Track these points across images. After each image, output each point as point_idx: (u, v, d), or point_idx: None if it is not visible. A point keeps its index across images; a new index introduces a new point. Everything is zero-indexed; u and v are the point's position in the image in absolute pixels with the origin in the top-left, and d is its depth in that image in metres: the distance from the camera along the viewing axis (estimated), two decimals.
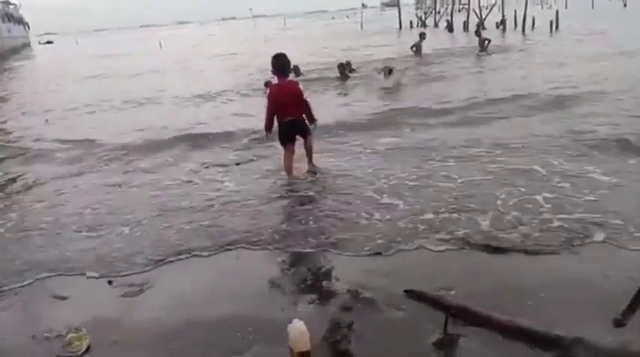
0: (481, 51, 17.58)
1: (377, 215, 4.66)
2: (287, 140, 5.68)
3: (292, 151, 5.75)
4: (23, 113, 12.94)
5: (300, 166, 6.00)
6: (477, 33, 19.41)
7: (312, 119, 5.76)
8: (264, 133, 5.83)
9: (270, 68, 5.65)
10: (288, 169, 5.78)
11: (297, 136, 5.77)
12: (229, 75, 16.85)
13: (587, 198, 4.67)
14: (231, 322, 3.21)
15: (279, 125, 5.64)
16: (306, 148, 5.89)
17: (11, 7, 60.14)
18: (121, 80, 18.27)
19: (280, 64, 5.54)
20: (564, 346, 2.68)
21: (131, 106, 12.69)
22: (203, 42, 40.10)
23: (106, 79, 18.61)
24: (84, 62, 27.40)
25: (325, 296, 3.42)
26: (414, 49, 17.60)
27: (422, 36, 17.95)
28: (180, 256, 4.18)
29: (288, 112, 5.53)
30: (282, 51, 5.77)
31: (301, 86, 5.76)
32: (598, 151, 5.95)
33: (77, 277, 4.01)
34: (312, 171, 5.90)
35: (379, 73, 11.98)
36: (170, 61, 22.99)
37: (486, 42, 17.96)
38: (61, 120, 11.56)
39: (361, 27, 39.71)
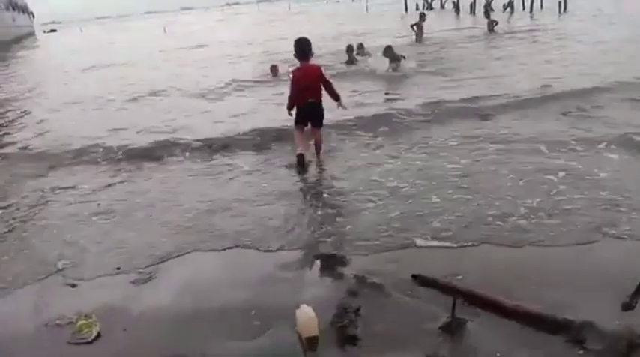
0: (490, 32, 17.38)
1: (383, 202, 4.65)
2: (301, 122, 5.88)
3: (302, 130, 5.93)
4: (21, 112, 11.62)
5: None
6: (486, 14, 19.10)
7: (337, 97, 5.96)
8: (288, 112, 5.97)
9: (291, 53, 5.87)
10: (300, 140, 5.90)
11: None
12: (238, 63, 15.81)
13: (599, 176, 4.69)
14: (240, 308, 3.23)
15: (299, 107, 5.83)
16: (315, 142, 6.01)
17: None
18: (126, 71, 17.30)
19: (301, 47, 5.74)
20: (573, 329, 2.68)
21: (135, 102, 11.34)
22: (210, 28, 39.52)
23: (110, 72, 17.58)
24: (88, 52, 26.52)
25: (333, 281, 3.43)
26: (415, 28, 17.14)
27: (422, 17, 17.43)
28: (189, 249, 4.18)
29: (309, 95, 5.72)
30: (304, 35, 5.98)
31: (322, 69, 5.94)
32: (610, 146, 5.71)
33: (88, 263, 4.05)
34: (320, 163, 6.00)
35: (388, 69, 11.51)
36: (175, 48, 22.25)
37: (494, 23, 17.72)
38: (61, 118, 10.33)
39: (367, 10, 39.23)
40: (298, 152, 5.74)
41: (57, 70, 19.74)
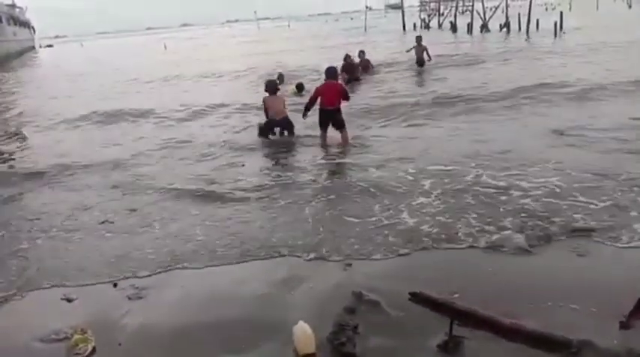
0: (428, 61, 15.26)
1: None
2: (323, 125, 7.59)
3: (324, 131, 7.62)
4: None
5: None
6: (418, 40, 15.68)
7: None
8: (303, 113, 7.76)
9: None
10: (323, 140, 7.60)
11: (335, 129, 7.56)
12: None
13: None
14: (236, 323, 3.23)
15: (320, 111, 7.55)
16: (342, 139, 7.50)
17: (17, 10, 60.50)
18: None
19: (330, 72, 7.80)
20: (572, 348, 2.67)
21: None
22: (210, 45, 39.77)
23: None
24: (86, 73, 23.55)
25: (330, 298, 3.42)
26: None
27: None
28: (186, 263, 4.18)
29: (328, 104, 7.47)
30: (332, 65, 8.15)
31: (344, 85, 8.00)
32: None
33: (83, 279, 4.03)
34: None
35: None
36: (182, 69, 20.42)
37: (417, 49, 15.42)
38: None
39: (365, 29, 39.76)
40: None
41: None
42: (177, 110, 11.24)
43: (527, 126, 7.69)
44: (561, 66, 13.02)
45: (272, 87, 8.17)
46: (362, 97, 11.11)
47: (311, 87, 12.81)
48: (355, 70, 13.60)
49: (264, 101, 8.14)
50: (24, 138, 10.19)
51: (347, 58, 13.59)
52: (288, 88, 12.70)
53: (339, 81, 7.81)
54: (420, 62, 15.11)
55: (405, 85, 12.54)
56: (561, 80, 10.64)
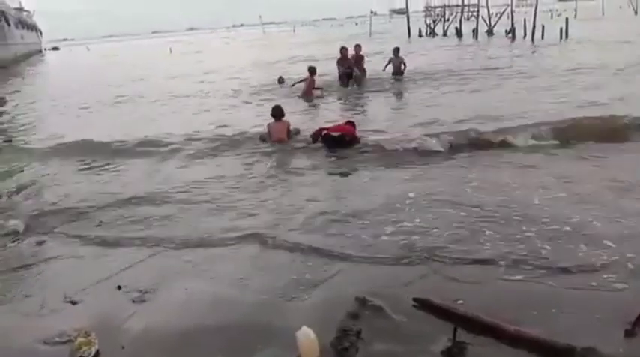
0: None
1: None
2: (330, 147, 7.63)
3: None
4: None
5: None
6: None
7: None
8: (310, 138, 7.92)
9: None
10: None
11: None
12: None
13: None
14: (240, 328, 3.23)
15: (323, 137, 7.64)
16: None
17: (25, 13, 61.06)
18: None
19: (348, 121, 8.12)
20: (575, 355, 2.66)
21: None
22: (215, 51, 39.62)
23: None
24: (92, 83, 21.55)
25: (334, 303, 3.41)
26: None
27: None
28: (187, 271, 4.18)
29: (335, 130, 7.62)
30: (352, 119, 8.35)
31: (356, 130, 7.79)
32: None
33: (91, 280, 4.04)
34: None
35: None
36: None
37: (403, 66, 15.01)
38: None
39: (370, 35, 39.81)
40: None
41: None
42: (177, 136, 9.23)
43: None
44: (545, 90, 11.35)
45: (277, 112, 8.19)
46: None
47: (321, 85, 13.65)
48: (348, 62, 14.07)
49: (268, 126, 8.19)
50: None
51: (343, 49, 14.28)
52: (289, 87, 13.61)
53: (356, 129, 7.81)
54: (397, 73, 14.97)
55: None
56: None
